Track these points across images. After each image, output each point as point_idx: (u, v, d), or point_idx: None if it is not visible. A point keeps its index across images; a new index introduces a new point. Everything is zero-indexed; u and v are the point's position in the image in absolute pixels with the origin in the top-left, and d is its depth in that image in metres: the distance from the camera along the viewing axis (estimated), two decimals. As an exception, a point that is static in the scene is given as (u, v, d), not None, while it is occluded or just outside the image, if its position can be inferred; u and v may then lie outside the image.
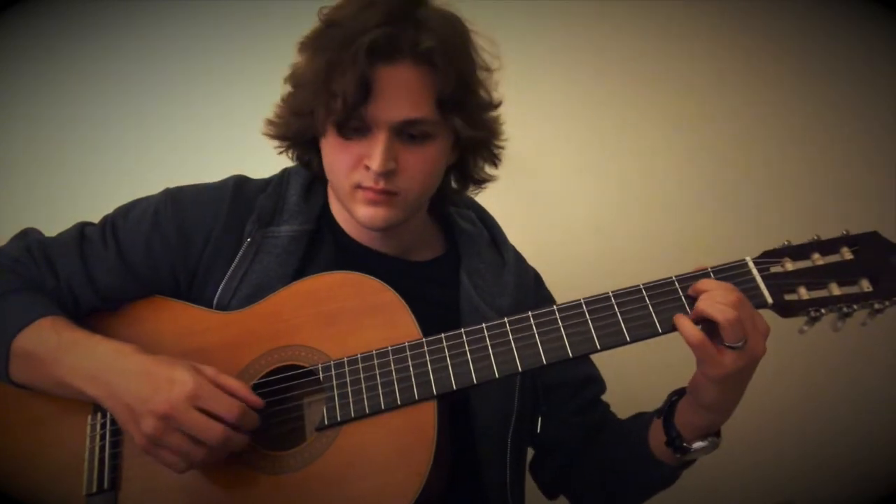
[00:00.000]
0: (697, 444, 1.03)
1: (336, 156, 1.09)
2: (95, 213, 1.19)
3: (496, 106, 1.16)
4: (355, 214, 1.10)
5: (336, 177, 1.11)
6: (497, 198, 1.40)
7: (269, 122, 1.16)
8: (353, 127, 1.05)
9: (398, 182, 1.07)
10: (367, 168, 1.05)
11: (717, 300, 0.93)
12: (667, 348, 1.10)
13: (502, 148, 1.20)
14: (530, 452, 1.29)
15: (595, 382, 1.27)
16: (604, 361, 1.29)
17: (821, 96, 1.90)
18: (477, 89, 1.11)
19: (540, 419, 1.21)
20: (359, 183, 1.07)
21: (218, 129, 1.72)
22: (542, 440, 1.24)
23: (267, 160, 1.22)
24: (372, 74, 1.01)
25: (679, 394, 1.07)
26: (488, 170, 1.23)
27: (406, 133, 1.06)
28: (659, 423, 1.07)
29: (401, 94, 1.03)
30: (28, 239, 1.16)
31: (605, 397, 1.29)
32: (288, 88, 1.12)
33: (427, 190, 1.13)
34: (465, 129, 1.09)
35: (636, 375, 1.22)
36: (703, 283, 0.97)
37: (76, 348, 1.02)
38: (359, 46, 0.99)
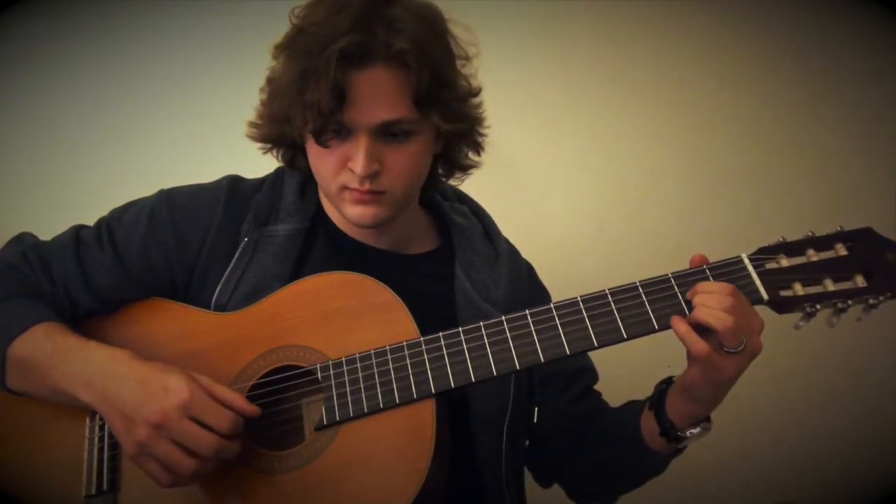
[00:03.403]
0: (691, 432, 1.04)
1: (320, 160, 1.09)
2: (93, 214, 1.19)
3: (476, 94, 1.16)
4: (345, 214, 1.11)
5: (322, 179, 1.12)
6: (497, 198, 1.41)
7: (251, 125, 1.17)
8: (333, 130, 1.05)
9: (384, 182, 1.08)
10: (352, 170, 1.06)
11: (714, 307, 0.94)
12: (664, 346, 1.11)
13: (485, 135, 1.21)
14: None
15: (587, 372, 1.28)
16: (601, 360, 1.30)
17: (817, 95, 1.91)
18: (454, 81, 1.11)
19: (536, 409, 1.22)
20: (345, 184, 1.08)
21: (215, 129, 1.73)
22: (537, 430, 1.25)
23: (262, 160, 1.23)
24: (345, 82, 1.01)
25: (666, 382, 1.07)
26: (472, 157, 1.23)
27: (387, 133, 1.06)
28: (650, 415, 1.08)
29: (376, 97, 1.03)
30: (23, 244, 1.16)
31: (603, 396, 1.29)
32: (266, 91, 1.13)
33: (414, 185, 1.14)
34: (445, 124, 1.08)
35: (635, 374, 1.22)
36: (700, 286, 0.97)
37: (70, 355, 1.01)
38: (329, 55, 0.99)
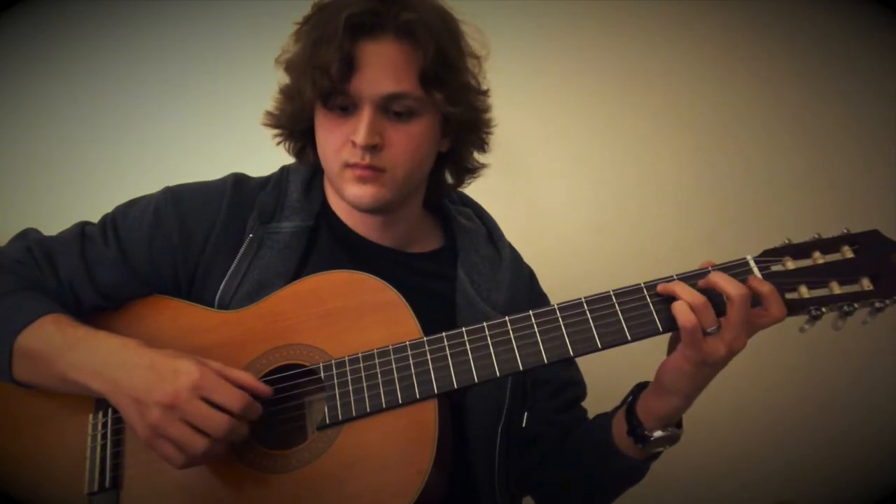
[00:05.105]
0: (657, 434, 1.05)
1: (326, 135, 1.11)
2: (95, 212, 1.19)
3: (483, 92, 1.18)
4: (345, 194, 1.12)
5: (327, 158, 1.13)
6: (498, 199, 1.41)
7: (268, 113, 1.19)
8: (339, 105, 1.08)
9: (384, 158, 1.09)
10: (354, 144, 1.07)
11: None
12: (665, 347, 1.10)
13: (490, 132, 1.22)
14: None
15: (577, 385, 1.28)
16: (600, 362, 1.29)
17: (821, 96, 1.91)
18: (461, 69, 1.13)
19: (526, 414, 1.22)
20: (346, 161, 1.09)
21: (217, 128, 1.73)
22: (523, 435, 1.24)
23: (265, 160, 1.23)
24: (354, 48, 1.05)
25: (641, 387, 1.09)
26: (478, 157, 1.25)
27: (391, 111, 1.09)
28: (621, 414, 1.09)
29: (383, 68, 1.06)
30: (28, 239, 1.16)
31: (602, 400, 1.28)
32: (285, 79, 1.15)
33: (415, 169, 1.14)
34: (447, 106, 1.10)
35: (634, 377, 1.22)
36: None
37: (80, 344, 1.02)
38: (341, 21, 1.03)
